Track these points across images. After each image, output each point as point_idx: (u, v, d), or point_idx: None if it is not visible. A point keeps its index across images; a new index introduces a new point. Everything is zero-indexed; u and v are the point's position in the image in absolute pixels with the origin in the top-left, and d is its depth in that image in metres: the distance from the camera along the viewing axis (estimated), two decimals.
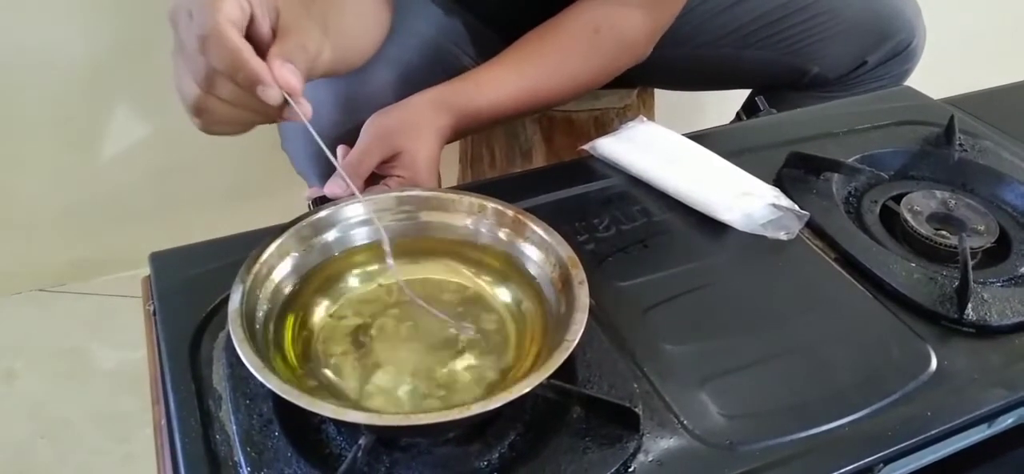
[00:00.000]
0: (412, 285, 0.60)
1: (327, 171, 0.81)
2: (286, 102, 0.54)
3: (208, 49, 0.51)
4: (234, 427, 0.50)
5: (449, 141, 0.79)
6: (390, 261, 0.57)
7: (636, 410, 0.50)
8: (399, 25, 0.85)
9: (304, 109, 0.55)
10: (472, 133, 0.95)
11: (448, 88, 0.78)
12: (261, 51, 0.54)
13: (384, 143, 0.73)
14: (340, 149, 0.76)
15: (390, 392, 0.52)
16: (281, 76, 0.53)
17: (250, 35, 0.54)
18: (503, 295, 0.59)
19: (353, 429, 0.49)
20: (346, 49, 0.71)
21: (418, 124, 0.75)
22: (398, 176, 0.73)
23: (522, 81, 0.80)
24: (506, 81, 0.80)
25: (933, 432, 0.53)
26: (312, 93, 0.82)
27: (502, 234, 0.60)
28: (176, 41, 0.54)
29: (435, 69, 0.86)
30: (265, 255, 0.55)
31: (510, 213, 0.60)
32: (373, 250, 0.61)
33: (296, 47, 0.55)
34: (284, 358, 0.53)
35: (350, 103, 0.83)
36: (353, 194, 0.60)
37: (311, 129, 0.55)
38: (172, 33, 0.54)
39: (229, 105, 0.54)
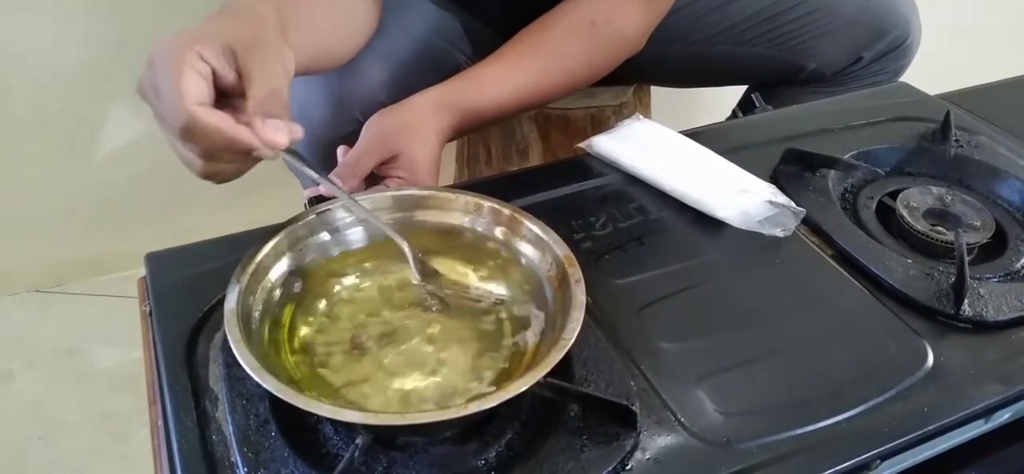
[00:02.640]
0: (410, 284, 0.60)
1: (321, 170, 0.81)
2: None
3: (192, 138, 0.52)
4: (231, 427, 0.50)
5: (450, 140, 0.79)
6: (415, 277, 0.59)
7: (633, 408, 0.50)
8: (392, 22, 0.85)
9: (295, 136, 0.55)
10: (472, 132, 0.95)
11: (449, 87, 0.78)
12: (233, 96, 0.54)
13: (383, 145, 0.73)
14: (340, 149, 0.76)
15: (387, 391, 0.52)
16: (266, 138, 0.53)
17: (216, 86, 0.54)
18: (500, 293, 0.59)
19: (350, 429, 0.49)
20: (318, 52, 0.72)
21: (418, 126, 0.75)
22: (398, 177, 0.73)
23: (522, 78, 0.80)
24: (506, 78, 0.80)
25: (930, 428, 0.53)
26: (304, 91, 0.83)
27: (498, 233, 0.60)
28: (155, 114, 0.54)
29: (428, 67, 0.86)
30: (261, 255, 0.55)
31: (506, 212, 0.60)
32: (368, 250, 0.61)
33: (271, 98, 0.54)
34: (280, 358, 0.53)
35: (342, 101, 0.83)
36: (348, 195, 0.60)
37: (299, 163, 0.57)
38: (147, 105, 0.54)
39: (232, 164, 0.55)
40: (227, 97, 0.54)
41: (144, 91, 0.53)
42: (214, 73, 0.53)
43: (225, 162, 0.54)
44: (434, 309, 0.58)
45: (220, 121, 0.52)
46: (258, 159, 0.55)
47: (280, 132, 0.54)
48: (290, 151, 0.56)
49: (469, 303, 0.58)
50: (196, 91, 0.51)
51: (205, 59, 0.53)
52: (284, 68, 0.56)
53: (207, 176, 0.55)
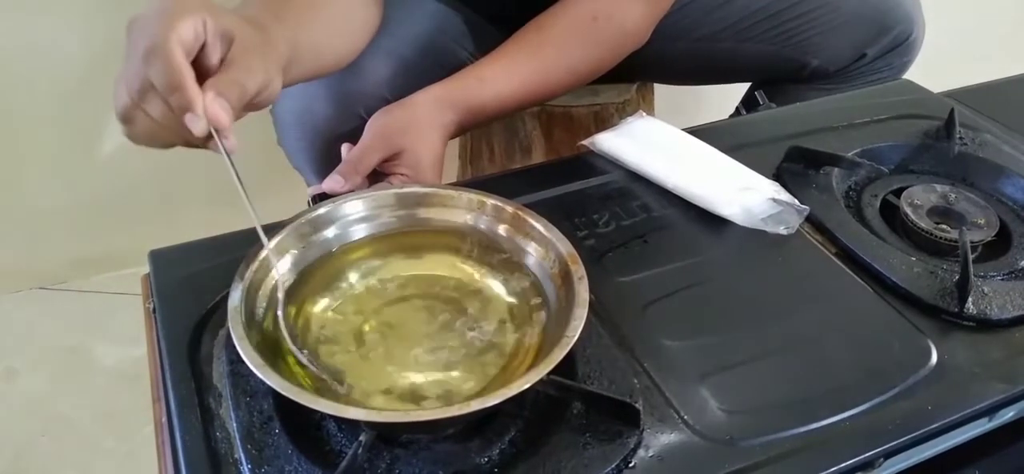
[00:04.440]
0: (414, 281, 0.60)
1: (325, 167, 0.81)
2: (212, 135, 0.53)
3: (151, 62, 0.51)
4: (234, 424, 0.50)
5: (453, 137, 0.79)
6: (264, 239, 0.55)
7: (636, 406, 0.50)
8: (394, 19, 0.85)
9: (229, 145, 0.54)
10: (476, 128, 0.95)
11: (452, 84, 0.78)
12: (203, 79, 0.54)
13: (386, 142, 0.73)
14: (344, 147, 0.76)
15: (391, 388, 0.52)
16: (211, 109, 0.52)
17: (198, 62, 0.54)
18: (503, 291, 0.59)
19: (353, 426, 0.49)
20: (321, 59, 0.72)
21: (421, 123, 0.75)
22: (401, 174, 0.73)
23: (525, 74, 0.80)
24: (510, 74, 0.80)
25: (934, 426, 0.53)
26: (308, 88, 0.83)
27: (502, 230, 0.60)
28: (126, 47, 0.53)
29: (431, 63, 0.86)
30: (264, 252, 0.55)
31: (510, 209, 0.60)
32: (371, 247, 0.61)
33: (232, 82, 0.54)
34: (283, 355, 0.53)
35: (345, 98, 0.83)
36: (352, 191, 0.60)
37: (230, 164, 0.54)
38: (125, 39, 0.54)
39: (156, 122, 0.54)
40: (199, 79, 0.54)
41: (133, 23, 0.53)
42: (204, 46, 0.54)
43: (152, 111, 0.53)
44: (437, 307, 0.58)
45: (182, 63, 0.51)
46: (174, 145, 0.54)
47: (222, 112, 0.52)
48: (226, 154, 0.54)
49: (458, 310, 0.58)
50: (184, 33, 0.51)
51: (206, 27, 0.53)
52: (263, 82, 0.56)
53: (126, 117, 0.54)
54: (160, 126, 0.54)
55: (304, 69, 0.67)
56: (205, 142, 0.54)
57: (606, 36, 0.82)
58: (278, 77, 0.58)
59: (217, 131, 0.53)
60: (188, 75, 0.52)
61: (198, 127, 0.52)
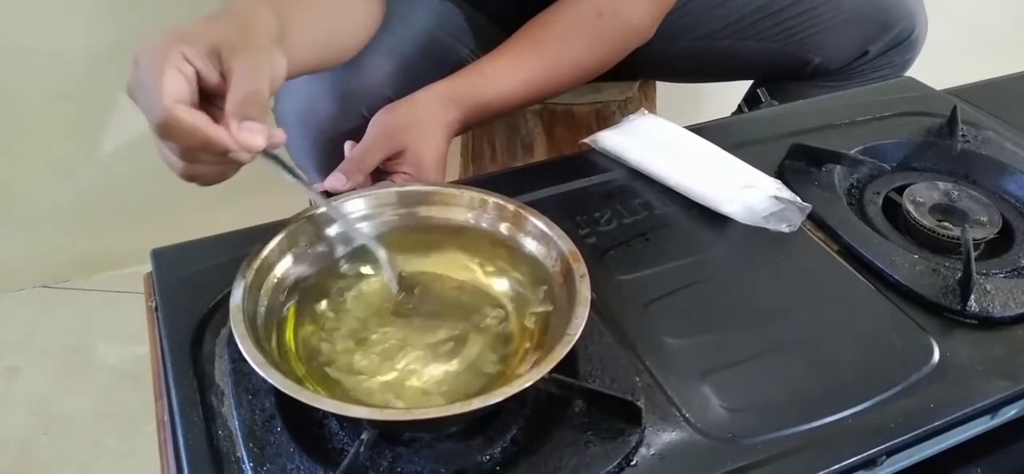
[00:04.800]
0: (415, 279, 0.60)
1: (326, 164, 0.81)
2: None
3: (168, 136, 0.51)
4: (236, 423, 0.50)
5: (456, 135, 0.79)
6: (393, 286, 0.58)
7: (638, 404, 0.50)
8: (396, 17, 0.85)
9: (275, 144, 0.54)
10: (479, 126, 0.95)
11: (455, 82, 0.78)
12: (217, 98, 0.54)
13: (389, 141, 0.73)
14: (347, 145, 0.76)
15: (392, 386, 0.52)
16: (242, 141, 0.52)
17: (201, 87, 0.53)
18: (505, 289, 0.59)
19: (355, 424, 0.49)
20: (321, 51, 0.72)
21: (424, 121, 0.75)
22: (404, 173, 0.73)
23: (529, 71, 0.80)
24: (513, 71, 0.80)
25: (936, 424, 0.53)
26: (310, 87, 0.83)
27: (503, 228, 0.60)
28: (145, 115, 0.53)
29: (433, 61, 0.86)
30: (266, 251, 0.55)
31: (511, 207, 0.60)
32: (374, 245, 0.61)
33: (248, 99, 0.53)
34: (286, 353, 0.53)
35: (347, 96, 0.83)
36: (354, 188, 0.60)
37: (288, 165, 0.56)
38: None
39: (212, 169, 0.55)
40: (212, 99, 0.54)
41: (131, 89, 0.53)
42: (198, 74, 0.53)
43: (204, 163, 0.54)
44: (438, 305, 0.58)
45: (197, 120, 0.51)
46: (240, 163, 0.54)
47: (256, 135, 0.52)
48: (269, 155, 0.55)
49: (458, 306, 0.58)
50: (176, 89, 0.51)
51: (189, 60, 0.52)
52: (270, 72, 0.56)
53: (188, 177, 0.55)
54: (218, 169, 0.55)
55: (303, 57, 0.66)
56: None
57: (611, 32, 0.82)
58: (278, 55, 0.58)
59: (255, 152, 0.54)
60: (205, 127, 0.51)
61: (243, 158, 0.53)
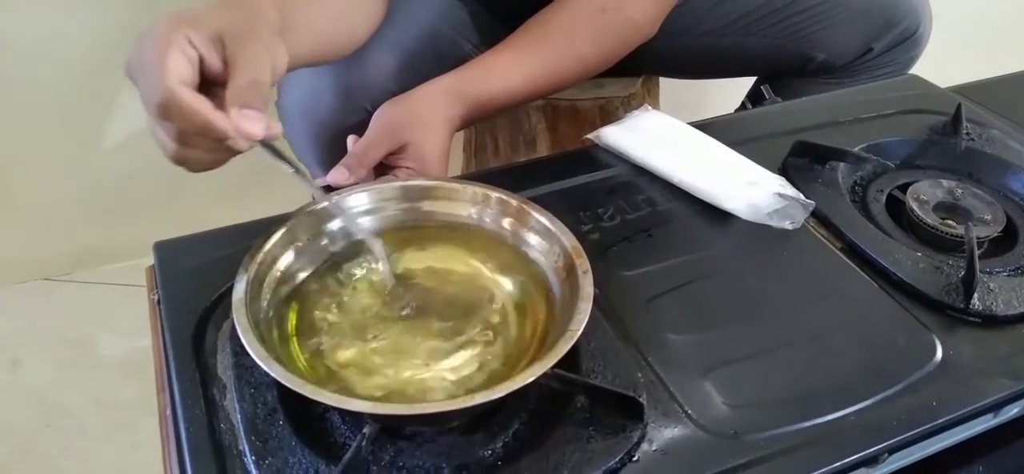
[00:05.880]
0: (418, 274, 0.60)
1: (329, 159, 0.81)
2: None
3: (167, 116, 0.51)
4: (238, 416, 0.50)
5: (459, 130, 0.79)
6: (390, 281, 0.58)
7: (640, 400, 0.50)
8: (399, 11, 0.85)
9: (271, 136, 0.54)
10: (482, 121, 0.95)
11: (458, 76, 0.78)
12: (217, 85, 0.54)
13: (391, 136, 0.73)
14: (350, 139, 0.76)
15: (395, 381, 0.52)
16: (242, 128, 0.52)
17: (202, 72, 0.53)
18: (507, 284, 0.59)
19: (357, 418, 0.49)
20: (323, 43, 0.72)
21: (426, 116, 0.75)
22: (407, 168, 0.73)
23: (532, 66, 0.80)
24: (516, 67, 0.80)
25: (938, 422, 0.53)
26: (313, 81, 0.83)
27: (506, 223, 0.60)
28: (141, 95, 0.53)
29: (436, 56, 0.86)
30: (269, 244, 0.55)
31: (514, 202, 0.60)
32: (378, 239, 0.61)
33: (248, 87, 0.53)
34: (288, 347, 0.53)
35: (350, 90, 0.83)
36: (356, 183, 0.60)
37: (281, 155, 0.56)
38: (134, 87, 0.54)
39: (206, 155, 0.54)
40: (213, 87, 0.54)
41: (130, 68, 0.53)
42: (201, 60, 0.53)
43: (199, 148, 0.54)
44: (441, 300, 0.58)
45: (197, 102, 0.51)
46: (235, 151, 0.54)
47: (255, 123, 0.52)
48: (267, 145, 0.55)
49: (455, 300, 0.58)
50: (180, 70, 0.51)
51: (193, 44, 0.52)
52: (272, 62, 0.55)
53: (179, 160, 0.54)
54: (211, 156, 0.55)
55: (304, 50, 0.66)
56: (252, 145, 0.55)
57: (615, 27, 0.82)
58: (280, 47, 0.58)
59: (254, 140, 0.53)
60: (206, 110, 0.51)
61: (240, 145, 0.53)
